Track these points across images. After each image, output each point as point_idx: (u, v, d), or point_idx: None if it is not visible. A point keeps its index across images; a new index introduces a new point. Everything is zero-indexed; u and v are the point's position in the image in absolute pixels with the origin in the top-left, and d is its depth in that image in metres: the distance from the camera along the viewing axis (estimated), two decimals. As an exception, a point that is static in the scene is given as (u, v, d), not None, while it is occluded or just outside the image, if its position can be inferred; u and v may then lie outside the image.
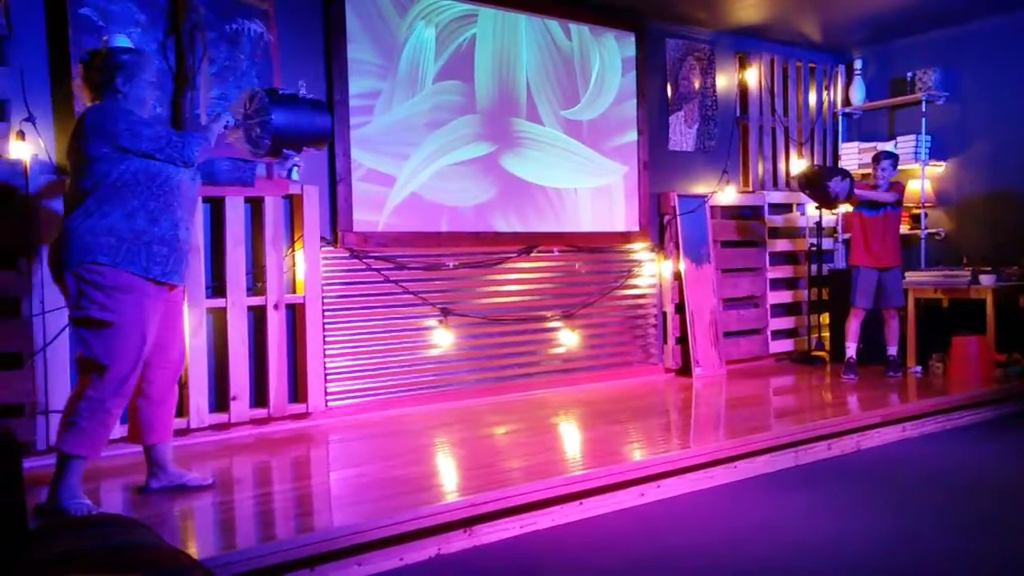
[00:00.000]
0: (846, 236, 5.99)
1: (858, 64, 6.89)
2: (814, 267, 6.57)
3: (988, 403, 5.18)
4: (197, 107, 4.13)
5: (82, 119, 2.98)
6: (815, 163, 6.55)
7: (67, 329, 3.77)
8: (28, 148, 3.72)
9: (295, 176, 3.41)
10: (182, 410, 4.02)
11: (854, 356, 5.69)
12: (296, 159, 3.36)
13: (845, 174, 5.52)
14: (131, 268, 2.96)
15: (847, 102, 7.01)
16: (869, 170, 6.78)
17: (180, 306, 3.30)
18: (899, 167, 6.47)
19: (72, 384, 3.80)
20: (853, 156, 6.80)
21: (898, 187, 5.67)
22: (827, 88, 7.00)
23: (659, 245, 6.04)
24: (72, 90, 3.76)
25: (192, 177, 3.17)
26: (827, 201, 5.64)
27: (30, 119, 3.75)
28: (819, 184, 5.49)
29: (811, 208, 6.63)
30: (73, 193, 3.00)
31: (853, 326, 5.71)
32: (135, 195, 2.97)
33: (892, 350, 5.73)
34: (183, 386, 4.00)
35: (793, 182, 6.08)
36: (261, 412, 4.35)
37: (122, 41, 3.12)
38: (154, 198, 3.01)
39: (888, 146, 6.25)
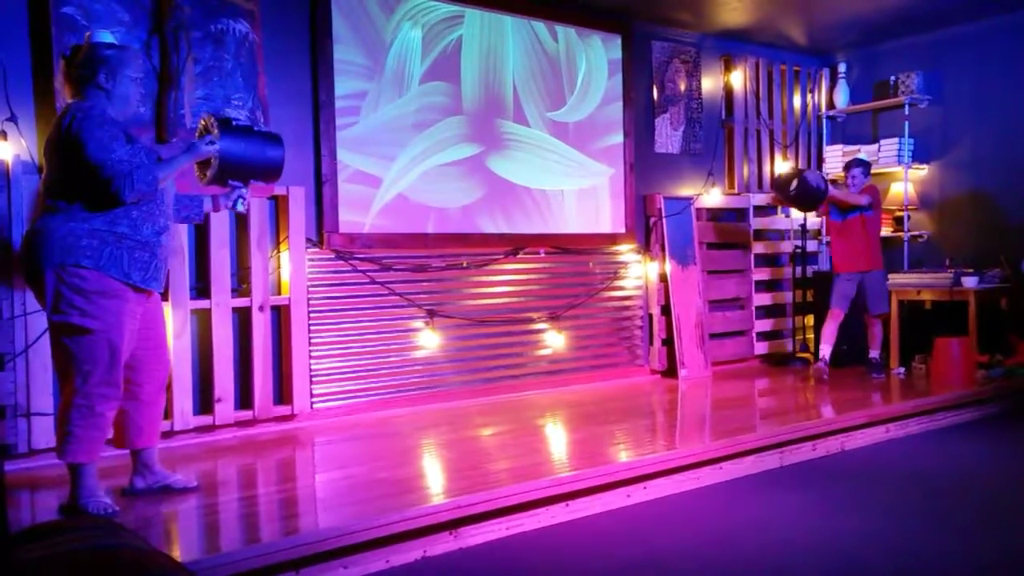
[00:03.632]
0: (829, 239, 6.04)
1: (842, 67, 6.94)
2: (798, 269, 6.61)
3: (971, 404, 5.22)
4: (182, 107, 4.10)
5: (61, 119, 2.91)
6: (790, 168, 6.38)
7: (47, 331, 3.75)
8: (10, 148, 3.69)
9: (240, 208, 3.33)
10: (166, 412, 3.99)
11: (827, 358, 5.69)
12: (242, 190, 3.29)
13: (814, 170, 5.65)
14: (113, 272, 2.92)
15: (831, 105, 7.06)
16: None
17: (160, 310, 3.27)
18: (879, 171, 6.56)
19: (54, 387, 3.78)
20: (837, 159, 6.84)
21: (871, 191, 5.68)
22: (811, 91, 7.04)
23: (645, 247, 6.05)
24: (55, 89, 3.74)
25: (172, 188, 3.15)
26: (809, 198, 5.62)
27: (12, 119, 3.71)
28: (799, 179, 5.52)
29: (796, 211, 6.67)
30: (51, 192, 2.93)
31: (829, 328, 5.72)
32: None
33: (874, 353, 5.78)
34: (167, 388, 3.97)
35: (775, 192, 6.00)
36: (246, 414, 4.32)
37: (105, 37, 3.06)
38: (136, 207, 2.97)
39: (861, 153, 6.26)
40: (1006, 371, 5.55)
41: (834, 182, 5.90)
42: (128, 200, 2.89)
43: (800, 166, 6.61)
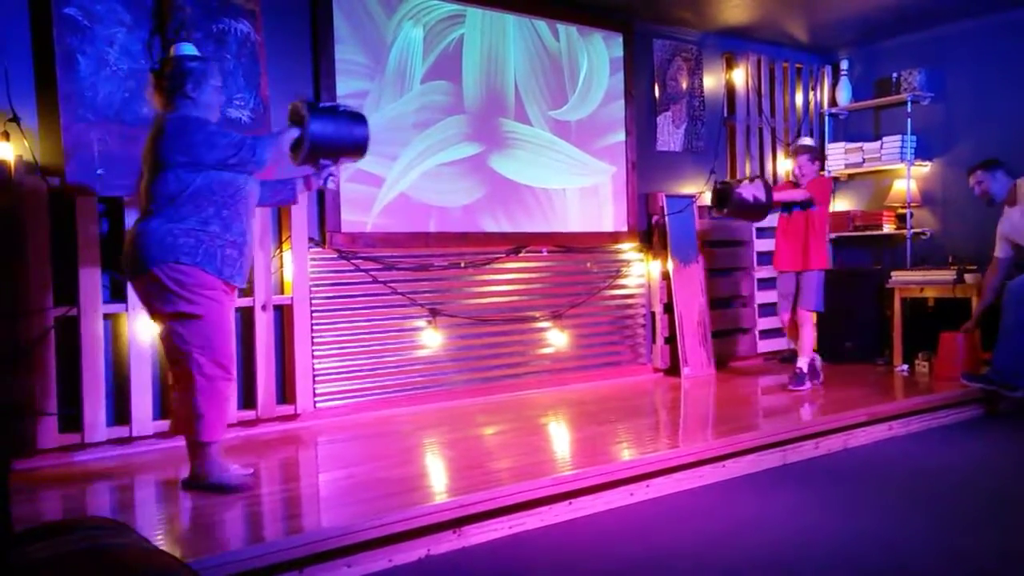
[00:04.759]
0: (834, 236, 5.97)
1: (844, 65, 6.92)
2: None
3: (974, 402, 5.21)
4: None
5: (162, 126, 3.10)
6: (718, 182, 5.53)
7: (52, 331, 3.76)
8: (12, 148, 3.69)
9: (330, 185, 3.54)
10: (168, 412, 3.99)
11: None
12: (332, 168, 3.48)
13: (754, 177, 5.33)
14: (208, 268, 3.13)
15: (833, 102, 7.05)
16: (853, 171, 6.87)
17: (234, 305, 3.45)
18: (882, 168, 6.55)
19: (58, 386, 3.79)
20: (839, 156, 6.84)
21: (821, 183, 5.32)
22: (813, 88, 7.03)
23: (647, 245, 6.05)
24: (57, 89, 3.75)
25: (255, 189, 3.34)
26: (753, 210, 5.21)
27: (15, 119, 3.72)
28: (732, 197, 5.12)
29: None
30: (150, 196, 3.12)
31: (789, 333, 5.61)
32: (211, 203, 3.14)
33: (801, 362, 5.29)
34: (170, 388, 3.98)
35: (715, 211, 5.46)
36: (249, 414, 4.33)
37: (188, 49, 3.25)
38: (226, 206, 3.17)
39: (807, 140, 5.76)
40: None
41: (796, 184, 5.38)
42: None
43: (728, 178, 5.97)
